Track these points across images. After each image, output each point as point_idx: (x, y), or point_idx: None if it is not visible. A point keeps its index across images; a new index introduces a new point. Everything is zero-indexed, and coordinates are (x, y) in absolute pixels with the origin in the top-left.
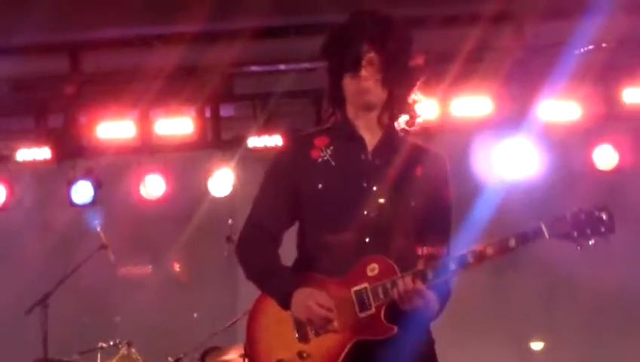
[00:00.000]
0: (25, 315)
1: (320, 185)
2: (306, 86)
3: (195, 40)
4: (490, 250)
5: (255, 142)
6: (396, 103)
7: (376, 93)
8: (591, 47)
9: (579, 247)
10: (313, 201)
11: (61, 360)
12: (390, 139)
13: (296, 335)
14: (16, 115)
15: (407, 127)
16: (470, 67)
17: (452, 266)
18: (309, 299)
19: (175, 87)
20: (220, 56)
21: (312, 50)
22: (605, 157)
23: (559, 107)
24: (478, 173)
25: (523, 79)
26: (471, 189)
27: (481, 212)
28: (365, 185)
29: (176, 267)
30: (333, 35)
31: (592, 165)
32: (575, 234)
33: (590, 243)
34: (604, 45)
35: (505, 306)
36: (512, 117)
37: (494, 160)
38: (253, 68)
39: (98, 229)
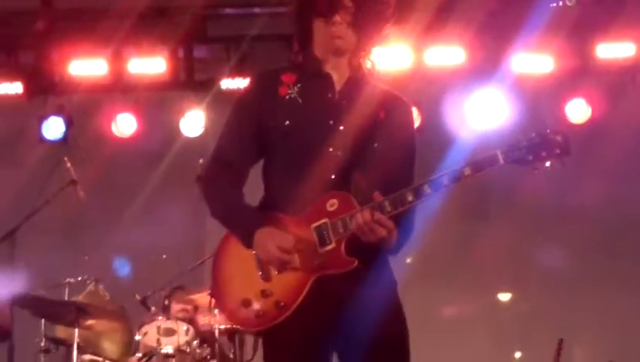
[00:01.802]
0: None
1: (287, 122)
2: (280, 29)
3: None
4: (445, 180)
5: (228, 83)
6: (365, 47)
7: (348, 38)
8: (571, 0)
9: (535, 170)
10: (279, 138)
11: (27, 293)
12: (357, 81)
13: (260, 274)
14: None
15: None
16: (444, 16)
17: (409, 197)
18: (268, 240)
19: (148, 27)
20: None
21: None
22: (578, 110)
23: (532, 59)
24: (450, 122)
25: (497, 30)
26: (443, 139)
27: (453, 162)
28: (332, 123)
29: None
30: None
31: (564, 118)
32: (530, 157)
33: (546, 165)
34: None
35: (473, 256)
36: (485, 67)
37: (466, 110)
38: (228, 10)
39: (68, 165)
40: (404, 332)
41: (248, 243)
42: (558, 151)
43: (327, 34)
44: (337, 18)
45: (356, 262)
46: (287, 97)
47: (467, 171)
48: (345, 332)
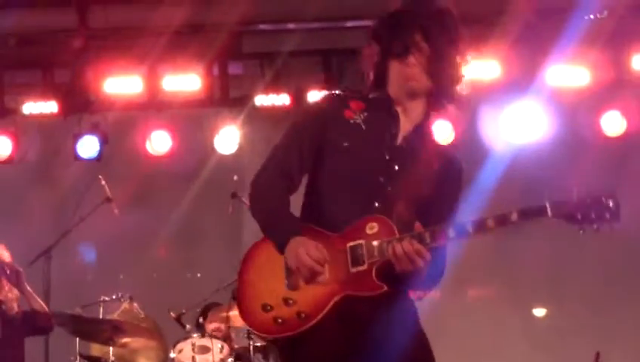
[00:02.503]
0: (28, 266)
1: (345, 143)
2: (314, 45)
3: None
4: (490, 222)
5: (262, 100)
6: (439, 96)
7: (421, 81)
8: (604, 13)
9: (581, 231)
10: (334, 157)
11: (63, 312)
12: (423, 131)
13: (286, 282)
14: (23, 68)
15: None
16: (480, 30)
17: (451, 233)
18: (301, 248)
19: (183, 44)
20: (229, 14)
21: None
22: (613, 123)
23: (568, 72)
24: (486, 136)
25: (532, 43)
26: (478, 153)
27: (488, 176)
28: (387, 157)
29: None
30: (385, 19)
31: (599, 131)
32: (579, 216)
33: (594, 227)
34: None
35: (509, 270)
36: (521, 81)
37: (502, 124)
38: (262, 26)
39: (103, 183)
40: (431, 358)
41: (282, 248)
42: (607, 215)
43: (401, 75)
44: (412, 59)
45: (385, 287)
46: (352, 121)
47: (514, 217)
48: (369, 356)
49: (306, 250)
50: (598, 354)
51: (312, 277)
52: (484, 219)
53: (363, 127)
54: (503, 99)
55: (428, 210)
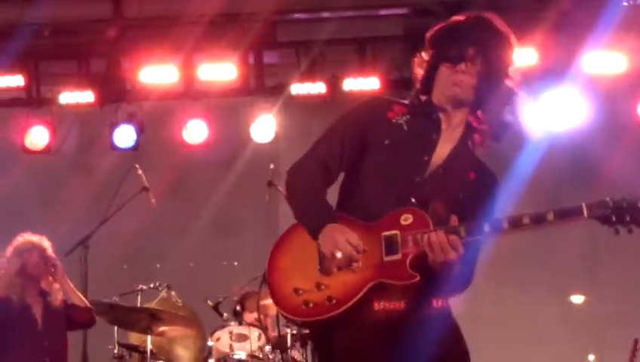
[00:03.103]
0: (65, 256)
1: (386, 141)
2: (349, 34)
3: None
4: (526, 220)
5: (298, 89)
6: (483, 109)
7: (468, 90)
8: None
9: (616, 233)
10: (375, 154)
11: (101, 301)
12: (464, 142)
13: (319, 267)
14: (59, 58)
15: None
16: (516, 17)
17: (486, 228)
18: (338, 234)
19: (218, 33)
20: (264, 3)
21: None
22: None
23: (605, 58)
24: (523, 123)
25: (569, 30)
26: (516, 140)
27: (526, 163)
28: (426, 158)
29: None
30: (445, 27)
31: (637, 118)
32: (614, 218)
33: (627, 229)
34: None
35: (546, 258)
36: (558, 68)
37: (539, 111)
38: (297, 15)
39: (139, 172)
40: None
41: (316, 233)
42: None
43: (449, 80)
44: (462, 66)
45: (418, 277)
46: (394, 121)
47: (550, 217)
48: (404, 354)
49: (344, 236)
50: (636, 341)
51: (347, 263)
52: (520, 216)
53: (405, 127)
54: (540, 86)
55: (461, 214)
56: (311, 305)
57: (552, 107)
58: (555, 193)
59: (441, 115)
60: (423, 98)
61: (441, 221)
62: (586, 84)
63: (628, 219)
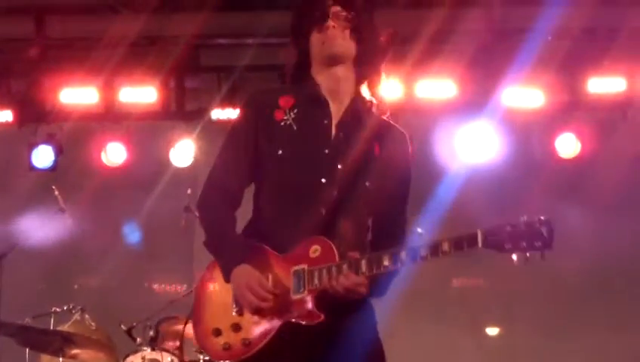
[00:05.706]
0: None
1: (280, 152)
2: (272, 60)
3: (161, 8)
4: (423, 251)
5: (218, 114)
6: (364, 59)
7: (343, 44)
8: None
9: (514, 258)
10: (272, 168)
11: (12, 323)
12: (355, 110)
13: (235, 308)
14: None
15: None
16: (435, 49)
17: (385, 261)
18: (245, 279)
19: (140, 56)
20: (186, 27)
21: (279, 25)
22: (567, 145)
23: (523, 93)
24: (440, 155)
25: (488, 63)
26: (433, 172)
27: (443, 195)
28: (327, 151)
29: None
30: (299, 5)
31: (553, 153)
32: (508, 246)
33: (527, 255)
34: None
35: (461, 290)
36: (476, 101)
37: (457, 143)
38: (220, 40)
39: (56, 193)
40: None
41: (227, 277)
42: (539, 243)
43: (320, 41)
44: (330, 23)
45: (322, 317)
46: (283, 123)
47: (445, 246)
48: None
49: (248, 285)
50: None
51: (257, 306)
52: (419, 246)
53: (294, 127)
54: (458, 118)
55: (380, 207)
56: (228, 346)
57: (470, 139)
58: (474, 224)
59: (326, 92)
60: (304, 77)
61: (348, 241)
62: (504, 118)
63: (523, 245)
